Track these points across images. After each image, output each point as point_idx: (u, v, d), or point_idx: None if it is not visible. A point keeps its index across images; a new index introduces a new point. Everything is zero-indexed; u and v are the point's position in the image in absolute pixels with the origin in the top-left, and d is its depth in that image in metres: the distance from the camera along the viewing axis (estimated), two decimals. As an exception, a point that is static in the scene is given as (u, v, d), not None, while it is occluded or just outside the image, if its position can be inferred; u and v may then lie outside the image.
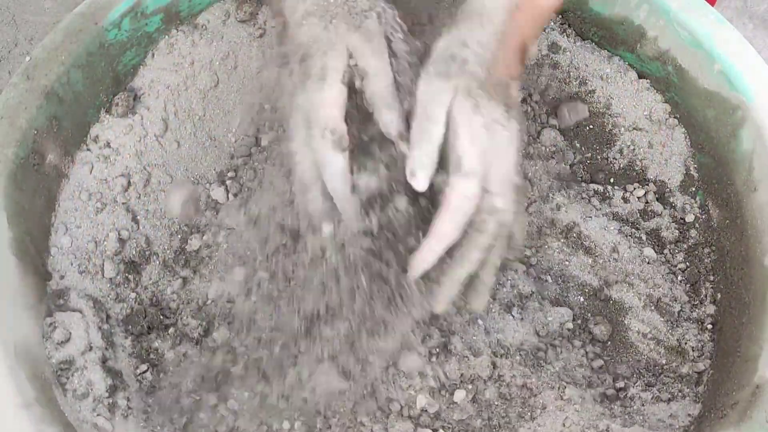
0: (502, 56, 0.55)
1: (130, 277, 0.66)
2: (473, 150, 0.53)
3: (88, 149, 0.68)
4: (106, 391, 0.59)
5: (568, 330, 0.66)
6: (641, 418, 0.61)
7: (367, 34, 0.55)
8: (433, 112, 0.53)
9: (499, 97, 0.54)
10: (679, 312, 0.66)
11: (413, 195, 0.56)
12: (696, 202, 0.71)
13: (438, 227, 0.54)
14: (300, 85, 0.55)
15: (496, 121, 0.54)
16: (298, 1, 0.56)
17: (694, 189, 0.71)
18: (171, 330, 0.65)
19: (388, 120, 0.55)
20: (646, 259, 0.69)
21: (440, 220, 0.54)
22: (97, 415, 0.58)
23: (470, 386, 0.62)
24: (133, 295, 0.66)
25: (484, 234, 0.55)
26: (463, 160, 0.53)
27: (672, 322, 0.66)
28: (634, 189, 0.72)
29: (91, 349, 0.60)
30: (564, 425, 0.59)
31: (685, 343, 0.65)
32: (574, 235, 0.69)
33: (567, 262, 0.68)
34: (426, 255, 0.55)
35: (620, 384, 0.63)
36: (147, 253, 0.68)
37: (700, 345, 0.65)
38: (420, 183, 0.54)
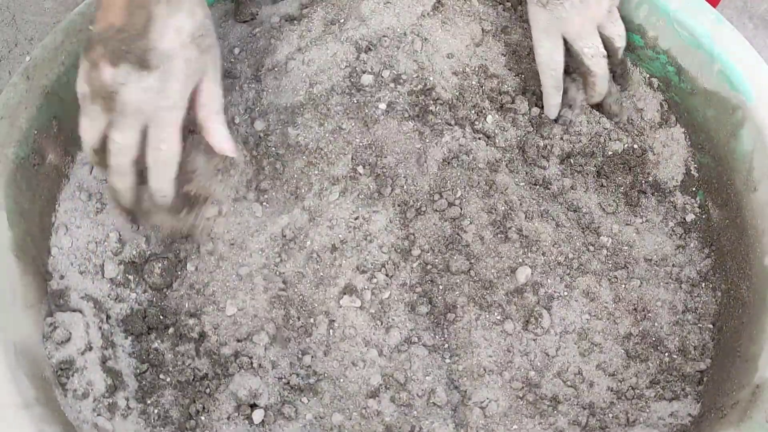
0: None
1: (130, 277, 0.66)
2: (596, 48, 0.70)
3: (88, 149, 0.68)
4: (106, 391, 0.59)
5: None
6: (645, 415, 0.62)
7: (215, 65, 0.61)
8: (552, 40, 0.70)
9: None
10: (682, 311, 0.67)
11: None
12: (696, 202, 0.71)
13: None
14: None
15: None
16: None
17: (694, 189, 0.71)
18: (171, 330, 0.65)
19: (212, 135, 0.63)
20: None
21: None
22: (97, 415, 0.58)
23: None
24: (133, 295, 0.66)
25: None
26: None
27: (675, 321, 0.66)
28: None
29: (91, 349, 0.60)
30: None
31: (687, 342, 0.65)
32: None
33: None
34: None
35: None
36: (147, 253, 0.67)
37: (701, 344, 0.65)
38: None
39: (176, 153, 0.60)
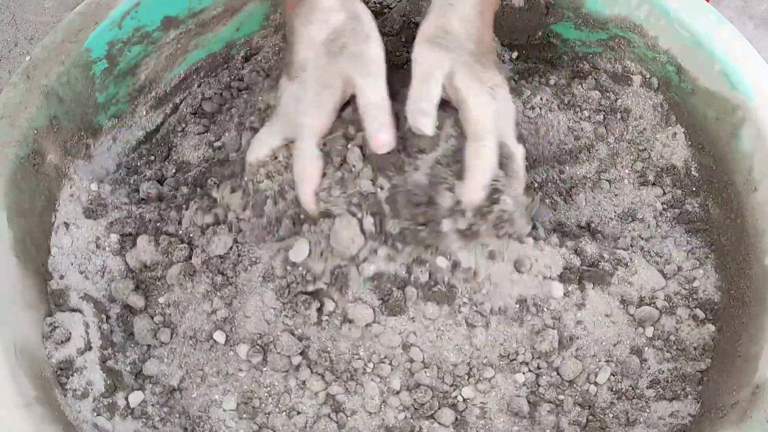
0: (484, 27, 0.61)
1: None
2: (487, 114, 0.58)
3: (88, 149, 0.68)
4: (106, 391, 0.59)
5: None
6: (645, 415, 0.62)
7: (362, 60, 0.59)
8: (433, 75, 0.59)
9: (491, 64, 0.61)
10: (682, 311, 0.67)
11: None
12: (696, 202, 0.71)
13: (471, 188, 0.58)
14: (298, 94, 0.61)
15: (497, 85, 0.60)
16: (313, 27, 0.61)
17: (694, 189, 0.71)
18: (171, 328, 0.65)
19: (370, 130, 0.58)
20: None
21: (473, 182, 0.58)
22: (97, 415, 0.58)
23: None
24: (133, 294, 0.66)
25: (515, 178, 0.61)
26: (479, 125, 0.58)
27: (674, 320, 0.66)
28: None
29: (90, 349, 0.60)
30: None
31: (687, 342, 0.65)
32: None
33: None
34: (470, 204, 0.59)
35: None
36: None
37: (701, 344, 0.65)
38: (428, 127, 0.58)
39: (304, 169, 0.59)
